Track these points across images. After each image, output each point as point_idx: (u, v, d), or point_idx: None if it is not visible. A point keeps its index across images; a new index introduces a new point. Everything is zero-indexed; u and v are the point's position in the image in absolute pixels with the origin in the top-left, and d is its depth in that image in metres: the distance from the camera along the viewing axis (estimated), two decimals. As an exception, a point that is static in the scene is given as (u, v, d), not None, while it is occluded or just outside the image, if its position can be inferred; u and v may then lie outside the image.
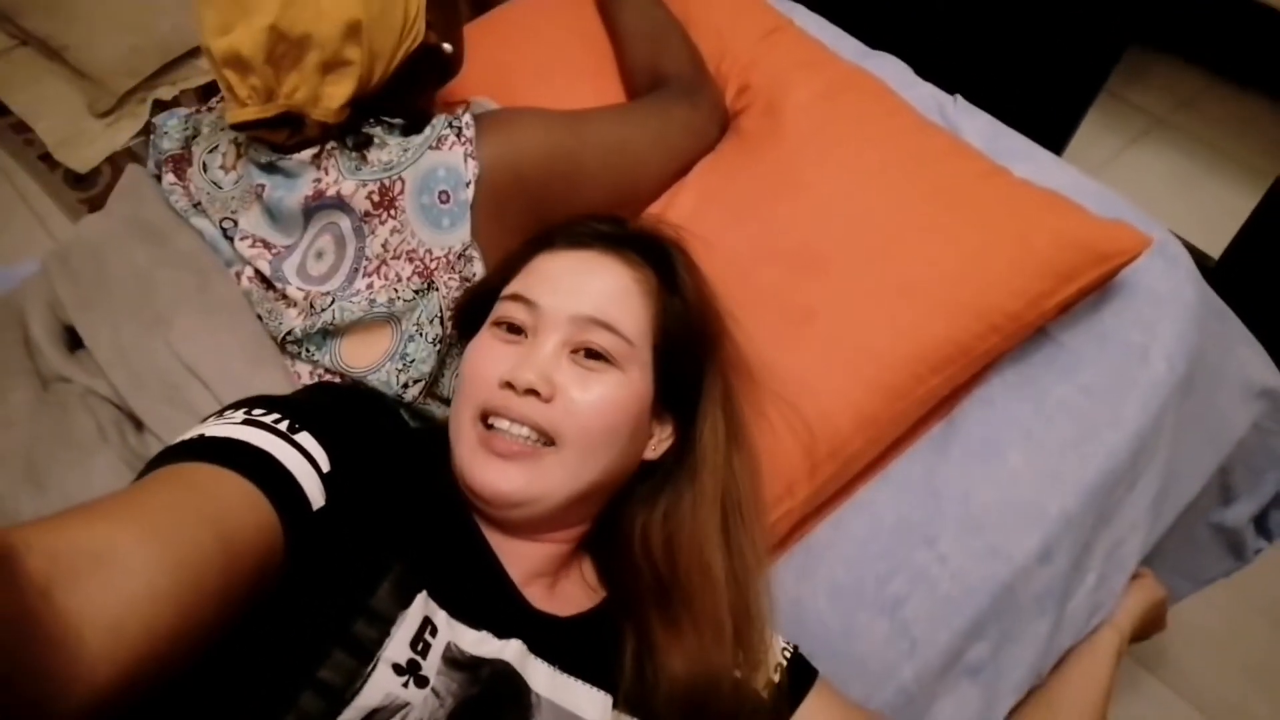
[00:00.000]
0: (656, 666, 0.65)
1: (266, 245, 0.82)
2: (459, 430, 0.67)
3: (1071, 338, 0.86)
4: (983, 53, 1.54)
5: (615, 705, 0.64)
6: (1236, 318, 0.92)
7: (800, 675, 0.71)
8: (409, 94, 0.86)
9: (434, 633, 0.57)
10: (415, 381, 0.80)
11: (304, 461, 0.56)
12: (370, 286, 0.80)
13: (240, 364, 0.77)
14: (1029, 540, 0.78)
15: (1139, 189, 1.92)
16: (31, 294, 0.81)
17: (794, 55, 1.01)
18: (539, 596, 0.67)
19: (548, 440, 0.64)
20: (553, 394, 0.65)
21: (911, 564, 0.78)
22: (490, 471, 0.64)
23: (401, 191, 0.80)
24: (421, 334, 0.80)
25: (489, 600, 0.63)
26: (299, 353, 0.80)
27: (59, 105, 2.10)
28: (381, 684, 0.53)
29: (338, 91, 0.78)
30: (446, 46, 0.87)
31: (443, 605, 0.59)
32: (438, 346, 0.80)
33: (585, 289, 0.68)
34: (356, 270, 0.81)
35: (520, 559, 0.67)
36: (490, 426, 0.65)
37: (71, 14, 2.11)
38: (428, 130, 0.82)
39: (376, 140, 0.82)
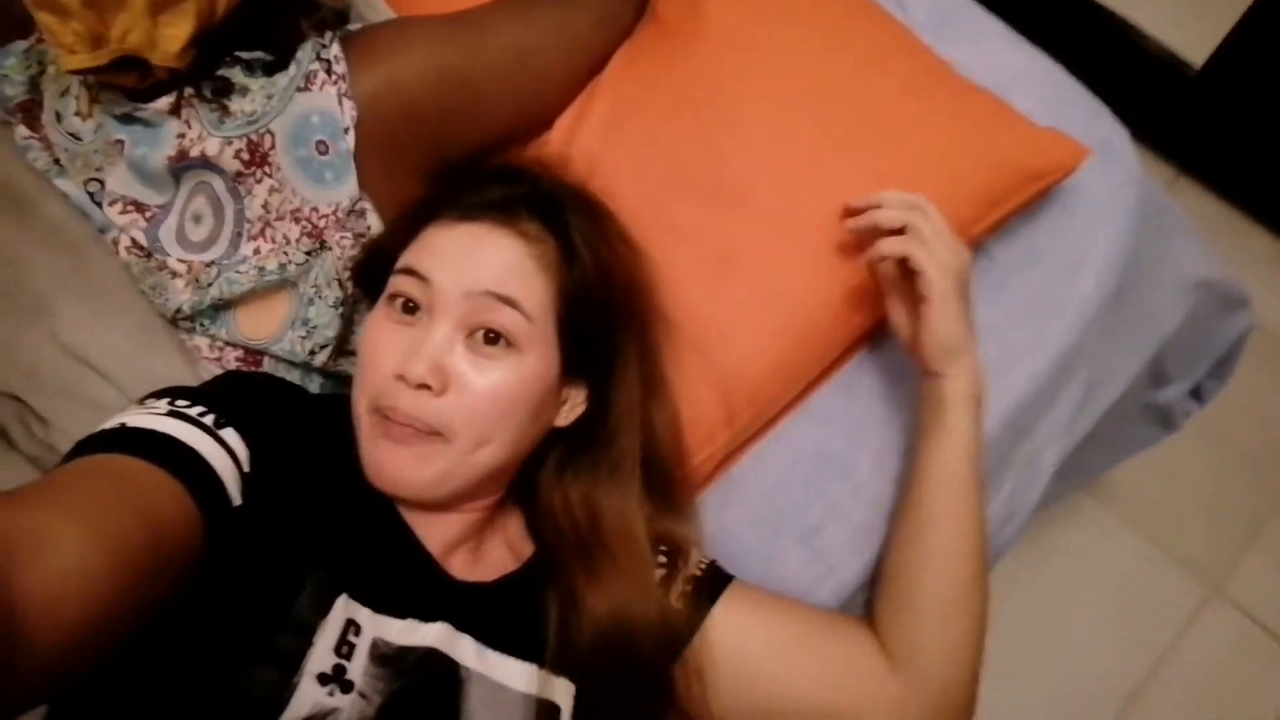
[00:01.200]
0: (580, 620, 0.67)
1: (139, 207, 0.76)
2: (357, 419, 0.66)
3: (1002, 249, 0.82)
4: None
5: (542, 667, 0.67)
6: (1175, 208, 0.88)
7: (717, 581, 0.73)
8: (265, 18, 0.75)
9: (357, 632, 0.59)
10: (322, 347, 0.77)
11: (227, 458, 0.56)
12: (257, 252, 0.75)
13: (134, 350, 0.74)
14: (945, 466, 0.79)
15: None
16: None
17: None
18: (461, 566, 0.68)
19: (438, 434, 0.63)
20: (445, 385, 0.63)
21: (827, 494, 0.80)
22: (386, 460, 0.63)
23: (273, 146, 0.73)
24: (320, 297, 0.76)
25: (411, 584, 0.65)
26: (193, 328, 0.76)
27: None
28: (308, 695, 0.55)
29: (176, 33, 0.69)
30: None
31: (365, 603, 0.60)
32: (340, 309, 0.77)
33: (479, 263, 0.65)
34: (239, 235, 0.75)
35: (437, 530, 0.68)
36: (386, 417, 0.64)
37: None
38: (292, 67, 0.73)
39: (236, 85, 0.73)
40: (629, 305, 0.72)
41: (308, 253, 0.75)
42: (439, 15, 0.79)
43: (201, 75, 0.73)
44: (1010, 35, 0.87)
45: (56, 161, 0.79)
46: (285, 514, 0.59)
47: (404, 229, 0.70)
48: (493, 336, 0.64)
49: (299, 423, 0.67)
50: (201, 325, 0.76)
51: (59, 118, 0.78)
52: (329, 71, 0.73)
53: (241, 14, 0.73)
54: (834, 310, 0.76)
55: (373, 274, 0.72)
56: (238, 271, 0.74)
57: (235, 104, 0.73)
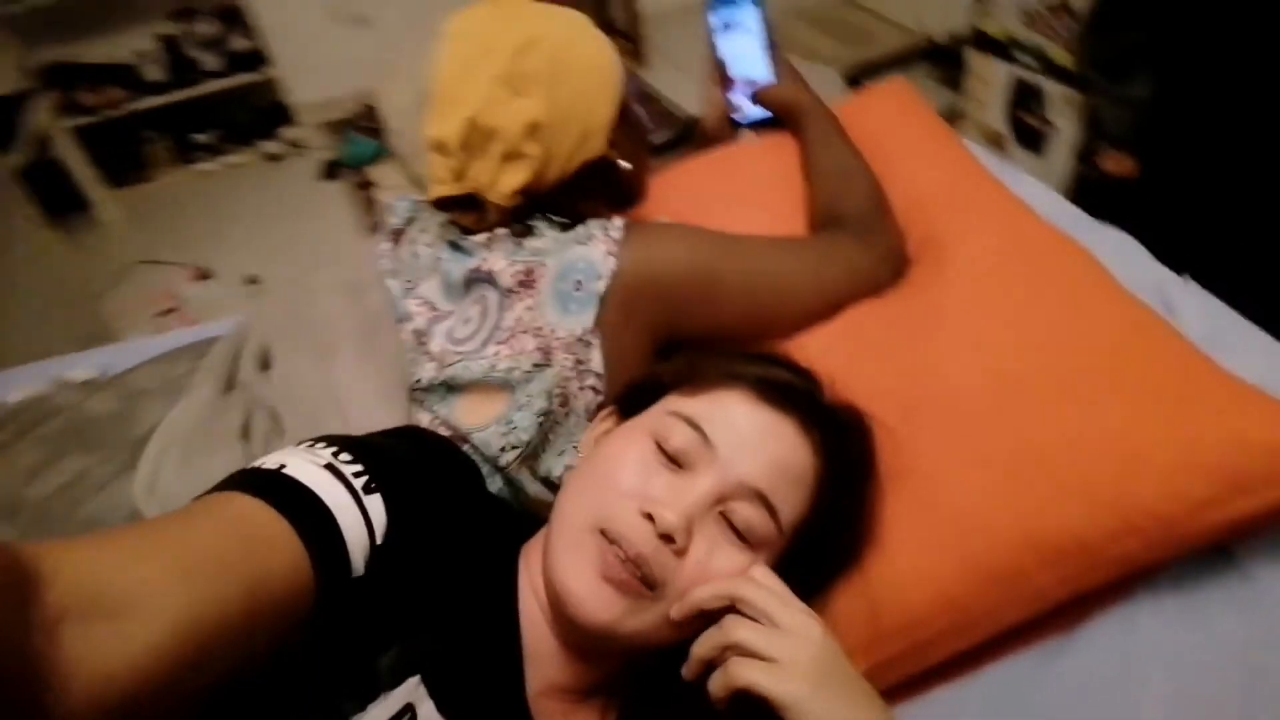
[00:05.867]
0: None
1: (432, 308, 0.93)
2: (566, 531, 0.62)
3: (1262, 567, 0.67)
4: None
5: None
6: None
7: None
8: (579, 199, 0.94)
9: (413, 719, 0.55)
10: (514, 448, 0.84)
11: (362, 528, 0.55)
12: (497, 354, 0.86)
13: (374, 403, 0.86)
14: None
15: None
16: (258, 319, 0.99)
17: (988, 210, 0.95)
18: (548, 713, 0.63)
19: (652, 586, 0.60)
20: (686, 549, 0.60)
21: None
22: (591, 590, 0.60)
23: (543, 275, 0.87)
24: (530, 406, 0.84)
25: (489, 703, 0.60)
26: (423, 400, 0.88)
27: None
28: None
29: (512, 179, 0.89)
30: (624, 164, 0.95)
31: (433, 695, 0.56)
32: (541, 420, 0.84)
33: (769, 459, 0.63)
34: (490, 339, 0.88)
35: (548, 670, 0.63)
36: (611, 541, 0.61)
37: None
38: (580, 228, 0.89)
39: (537, 231, 0.91)
40: (852, 545, 0.70)
41: (534, 365, 0.85)
42: (712, 228, 0.93)
43: (517, 220, 0.92)
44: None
45: (394, 271, 1.00)
46: (404, 587, 0.57)
47: (688, 378, 0.69)
48: (740, 529, 0.62)
49: (456, 502, 0.65)
50: (430, 400, 0.87)
51: (412, 242, 1.00)
52: (606, 236, 0.87)
53: (565, 189, 0.92)
54: (1019, 556, 0.66)
55: (634, 400, 0.73)
56: (475, 362, 0.86)
57: (529, 242, 0.90)
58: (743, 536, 0.62)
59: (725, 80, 1.23)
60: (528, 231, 0.91)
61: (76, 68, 2.90)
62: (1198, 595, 0.68)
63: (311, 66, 3.05)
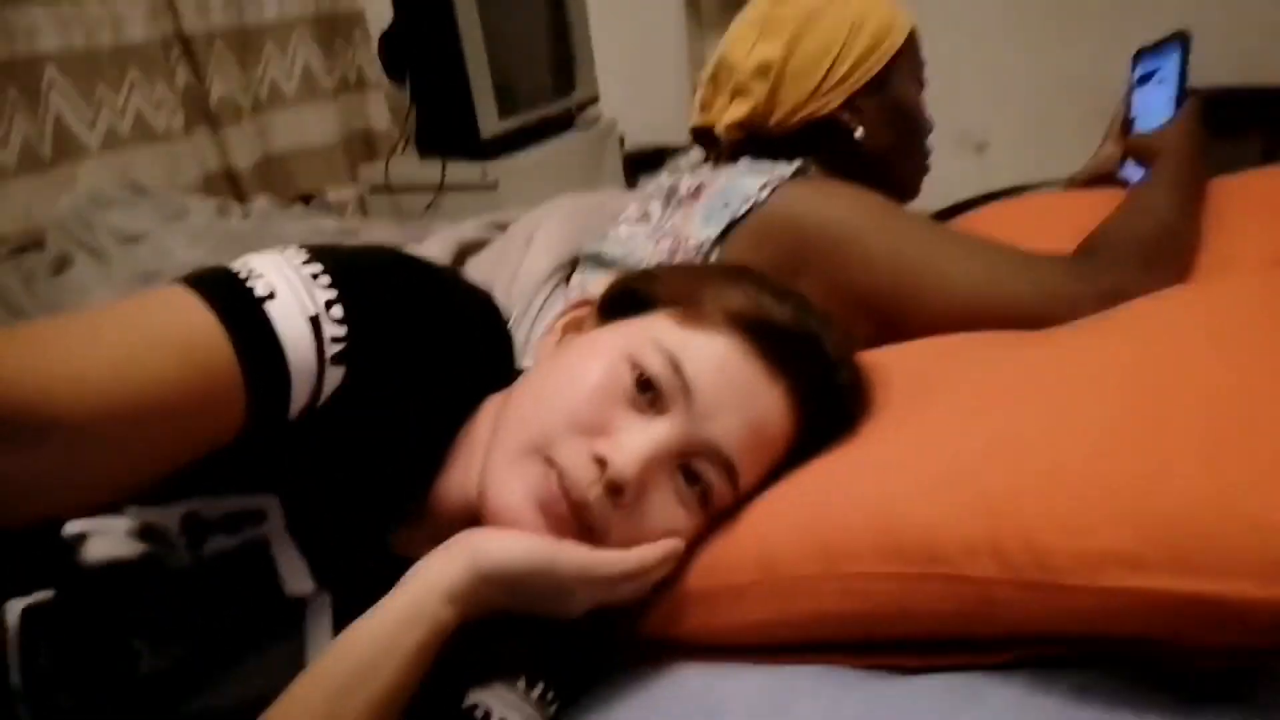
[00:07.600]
0: None
1: (643, 214, 1.04)
2: (512, 439, 0.56)
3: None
4: None
5: None
6: None
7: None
8: (800, 152, 0.95)
9: (256, 524, 0.56)
10: None
11: (310, 390, 0.52)
12: (643, 248, 0.94)
13: (550, 246, 1.01)
14: None
15: None
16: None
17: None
18: (412, 545, 0.58)
19: (589, 532, 0.54)
20: (634, 503, 0.54)
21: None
22: (521, 516, 0.54)
23: (708, 191, 0.92)
24: None
25: (348, 551, 0.58)
26: (581, 265, 0.99)
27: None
28: (163, 515, 0.54)
29: (734, 113, 0.97)
30: (858, 131, 0.93)
31: (289, 521, 0.56)
32: None
33: (746, 422, 0.56)
34: (648, 237, 0.96)
35: (439, 529, 0.57)
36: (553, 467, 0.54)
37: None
38: (765, 163, 0.92)
39: (739, 164, 0.96)
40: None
41: (659, 263, 0.90)
42: (917, 214, 0.85)
43: (733, 154, 0.98)
44: None
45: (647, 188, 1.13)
46: (318, 446, 0.55)
47: (688, 297, 0.60)
48: (697, 486, 0.57)
49: (437, 373, 0.58)
50: (584, 266, 0.99)
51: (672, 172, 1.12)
52: (778, 174, 0.88)
53: (789, 138, 0.95)
54: (859, 532, 0.51)
55: (619, 303, 0.64)
56: (621, 246, 0.95)
57: (725, 168, 0.95)
58: (697, 497, 0.56)
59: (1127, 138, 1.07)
60: (731, 162, 0.97)
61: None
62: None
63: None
